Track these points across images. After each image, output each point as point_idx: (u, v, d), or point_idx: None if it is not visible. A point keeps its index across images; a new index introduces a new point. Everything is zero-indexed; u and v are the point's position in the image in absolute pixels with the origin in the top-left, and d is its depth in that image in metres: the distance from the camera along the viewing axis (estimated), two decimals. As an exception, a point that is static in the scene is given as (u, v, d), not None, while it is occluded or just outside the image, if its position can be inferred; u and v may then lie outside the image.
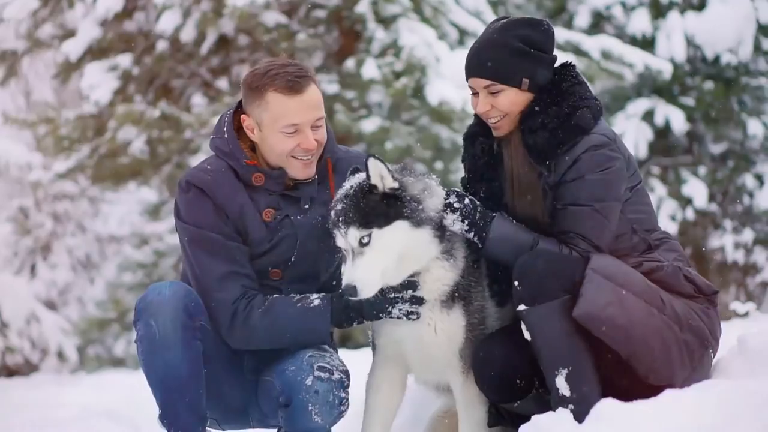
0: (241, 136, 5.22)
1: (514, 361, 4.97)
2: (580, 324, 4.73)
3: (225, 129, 5.19)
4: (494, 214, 4.99)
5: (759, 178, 18.54)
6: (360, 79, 14.00)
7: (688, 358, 4.91)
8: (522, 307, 4.81)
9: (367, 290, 4.75)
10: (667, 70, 15.52)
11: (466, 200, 4.99)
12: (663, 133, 18.20)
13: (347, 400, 5.06)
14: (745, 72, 18.46)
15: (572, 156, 4.95)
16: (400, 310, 4.92)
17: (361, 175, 4.93)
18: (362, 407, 5.24)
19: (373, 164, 4.82)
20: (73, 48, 14.79)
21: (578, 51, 15.48)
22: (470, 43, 14.86)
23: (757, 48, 18.35)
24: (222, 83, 15.91)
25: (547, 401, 4.91)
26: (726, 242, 18.48)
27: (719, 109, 18.32)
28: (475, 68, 5.08)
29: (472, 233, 4.96)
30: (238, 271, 5.06)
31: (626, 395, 4.63)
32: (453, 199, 4.98)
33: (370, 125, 14.05)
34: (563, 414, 4.73)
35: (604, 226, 4.96)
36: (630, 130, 17.69)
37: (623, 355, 4.76)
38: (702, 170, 18.59)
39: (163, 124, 14.19)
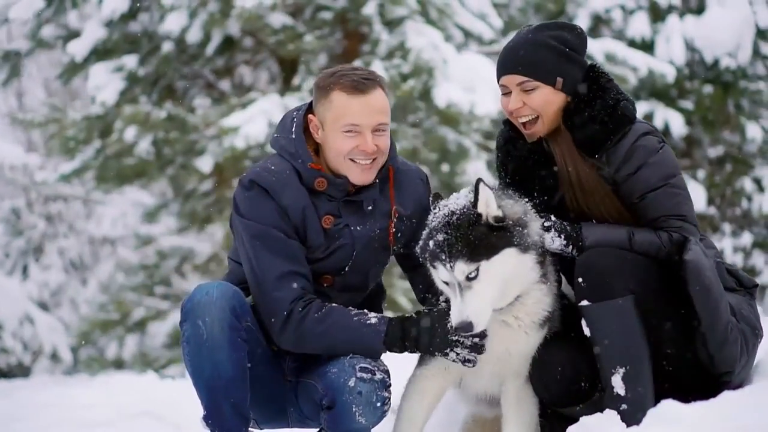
0: (307, 138, 5.19)
1: (576, 364, 4.97)
2: (641, 324, 4.75)
3: (293, 129, 5.17)
4: (580, 224, 4.95)
5: (757, 182, 18.63)
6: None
7: (745, 346, 4.92)
8: (584, 303, 4.80)
9: (481, 324, 4.63)
10: (670, 74, 15.62)
11: (552, 217, 4.96)
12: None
13: (390, 399, 5.03)
14: (743, 76, 18.52)
15: (624, 146, 4.95)
16: (457, 354, 4.84)
17: (461, 201, 4.80)
18: (393, 410, 5.22)
19: (484, 191, 4.69)
20: (78, 48, 14.76)
21: (581, 54, 15.54)
22: (475, 46, 14.97)
23: (756, 52, 18.41)
24: (225, 85, 15.90)
25: (608, 404, 4.93)
26: (725, 246, 18.53)
27: (718, 112, 18.39)
28: (509, 65, 5.06)
29: (570, 247, 4.93)
30: (297, 270, 5.02)
31: (681, 396, 4.68)
32: (542, 220, 4.92)
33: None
34: (611, 416, 4.73)
35: (685, 198, 4.97)
36: (629, 133, 17.71)
37: (706, 323, 4.73)
38: (701, 174, 18.67)
39: (169, 125, 14.16)
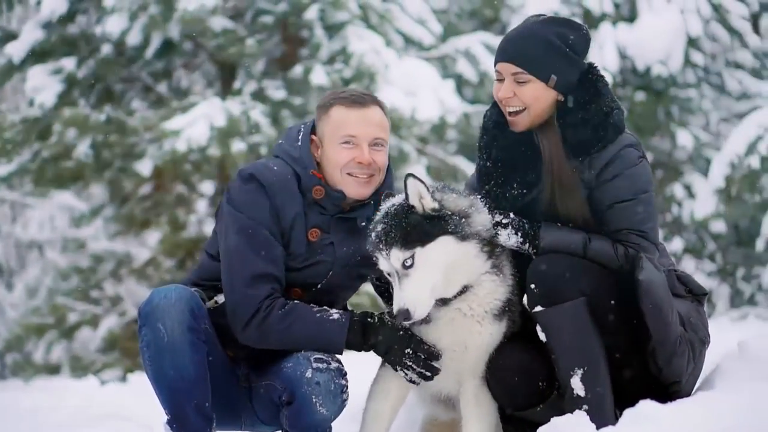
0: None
1: (532, 365, 5.03)
2: (594, 325, 4.83)
3: (300, 137, 5.22)
4: (539, 223, 5.01)
5: (687, 188, 18.85)
6: (308, 86, 14.03)
7: (692, 355, 5.03)
8: (538, 308, 4.86)
9: (419, 311, 4.73)
10: (609, 80, 15.78)
11: (511, 215, 5.02)
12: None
13: (347, 387, 5.08)
14: (673, 84, 18.75)
15: (608, 154, 5.00)
16: (405, 374, 4.96)
17: (399, 197, 4.94)
18: (359, 411, 5.25)
19: (412, 184, 4.80)
20: (16, 50, 14.56)
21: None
22: (415, 51, 15.05)
23: (687, 60, 18.63)
24: (162, 88, 15.82)
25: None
26: (656, 251, 18.68)
27: (649, 120, 18.59)
28: (507, 53, 5.10)
29: (527, 245, 4.99)
30: (274, 273, 5.06)
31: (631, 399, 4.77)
32: (499, 216, 5.00)
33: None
34: (582, 417, 4.78)
35: (651, 215, 5.03)
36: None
37: (656, 338, 4.83)
38: (632, 180, 18.81)
39: (108, 128, 14.05)
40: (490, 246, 4.93)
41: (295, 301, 5.04)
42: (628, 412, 4.60)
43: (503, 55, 5.12)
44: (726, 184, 14.94)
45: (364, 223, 5.19)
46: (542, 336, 4.89)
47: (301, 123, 5.35)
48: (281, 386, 5.05)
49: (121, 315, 16.12)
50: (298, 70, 14.42)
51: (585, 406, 4.81)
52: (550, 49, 5.05)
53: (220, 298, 5.22)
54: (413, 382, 4.98)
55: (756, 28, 20.09)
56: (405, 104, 13.64)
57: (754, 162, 14.46)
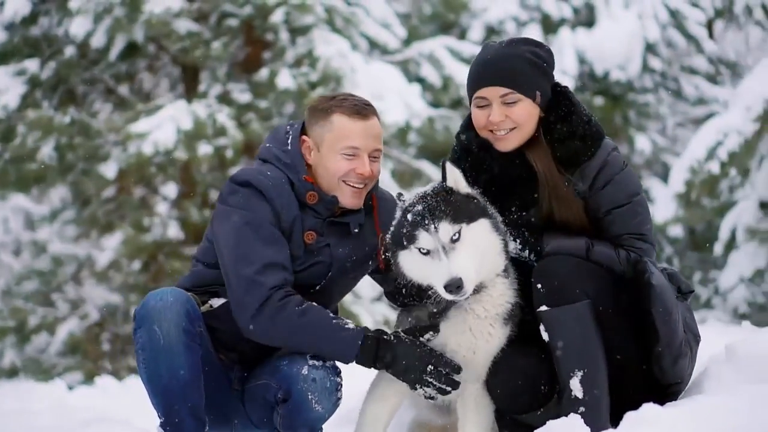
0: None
1: (533, 370, 5.02)
2: (597, 328, 4.84)
3: (289, 141, 5.17)
4: (540, 233, 5.03)
5: (646, 193, 18.91)
6: (274, 89, 14.04)
7: (691, 355, 5.08)
8: (543, 308, 4.87)
9: (469, 283, 4.66)
10: (569, 85, 15.87)
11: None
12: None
13: (342, 386, 5.05)
14: (631, 89, 18.89)
15: (597, 162, 5.02)
16: (425, 392, 4.88)
17: (428, 186, 4.92)
18: (348, 412, 5.27)
19: (450, 169, 4.82)
20: (-24, 52, 14.51)
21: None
22: (379, 54, 15.08)
23: (645, 66, 18.81)
24: (123, 90, 15.76)
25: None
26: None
27: (607, 124, 18.72)
28: (492, 77, 5.03)
29: (527, 251, 5.02)
30: (284, 264, 4.99)
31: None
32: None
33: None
34: (577, 420, 4.77)
35: (647, 217, 5.07)
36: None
37: (664, 342, 4.86)
38: (590, 185, 18.94)
39: (72, 130, 13.98)
40: (506, 245, 4.93)
41: (312, 303, 4.96)
42: (629, 415, 4.61)
43: (486, 80, 5.05)
44: (686, 188, 15.06)
45: (357, 230, 5.21)
46: (545, 335, 4.89)
47: (287, 124, 5.30)
48: (277, 383, 5.01)
49: (83, 318, 16.02)
50: (263, 73, 14.41)
51: (582, 408, 4.82)
52: (530, 66, 5.05)
53: (215, 302, 5.17)
54: (431, 398, 4.92)
55: (711, 34, 20.33)
56: (371, 108, 13.64)
57: (714, 167, 14.59)
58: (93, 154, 14.15)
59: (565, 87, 5.16)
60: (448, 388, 4.88)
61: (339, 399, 5.06)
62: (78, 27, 14.00)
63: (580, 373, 4.83)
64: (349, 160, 5.07)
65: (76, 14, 13.90)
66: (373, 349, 4.86)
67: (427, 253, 4.75)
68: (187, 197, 15.33)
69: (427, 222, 4.74)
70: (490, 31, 18.86)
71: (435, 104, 15.51)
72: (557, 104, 5.10)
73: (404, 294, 5.04)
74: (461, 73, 15.57)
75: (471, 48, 16.28)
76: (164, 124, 13.38)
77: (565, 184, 5.02)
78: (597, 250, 4.96)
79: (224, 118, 13.84)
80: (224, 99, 14.52)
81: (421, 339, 4.88)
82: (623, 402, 4.88)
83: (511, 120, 5.01)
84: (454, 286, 4.62)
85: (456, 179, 4.83)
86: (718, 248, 15.97)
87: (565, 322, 4.85)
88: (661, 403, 4.79)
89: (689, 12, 19.06)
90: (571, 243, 4.97)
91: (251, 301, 4.91)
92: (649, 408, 4.57)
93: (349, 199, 5.13)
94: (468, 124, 5.25)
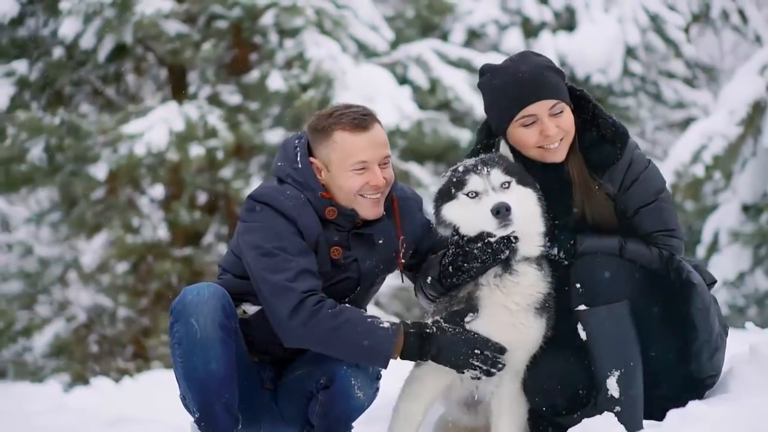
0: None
1: (574, 373, 5.08)
2: (634, 329, 4.91)
3: (298, 159, 5.16)
4: (572, 233, 5.07)
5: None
6: (264, 91, 14.04)
7: (723, 345, 5.15)
8: (582, 307, 4.93)
9: (517, 214, 4.77)
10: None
11: None
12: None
13: (381, 377, 5.12)
14: (610, 92, 18.98)
15: (623, 163, 5.06)
16: (473, 371, 4.91)
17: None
18: (381, 412, 5.27)
19: (503, 144, 4.99)
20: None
21: (470, 68, 15.84)
22: (368, 57, 15.10)
23: (625, 69, 18.90)
24: (110, 91, 15.72)
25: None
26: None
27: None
28: (537, 91, 5.01)
29: (556, 249, 5.05)
30: (314, 271, 4.99)
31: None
32: None
33: (274, 137, 14.13)
34: (611, 418, 4.82)
35: (674, 212, 5.15)
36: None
37: (704, 337, 4.93)
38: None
39: (62, 131, 13.94)
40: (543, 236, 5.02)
41: (345, 305, 4.97)
42: (674, 413, 4.67)
43: (533, 95, 5.01)
44: (671, 191, 15.13)
45: (381, 241, 5.22)
46: (583, 334, 4.95)
47: (294, 138, 5.27)
48: (320, 371, 5.05)
49: (69, 320, 15.95)
50: (254, 75, 14.42)
51: (617, 408, 4.88)
52: (557, 74, 5.09)
53: (249, 309, 5.19)
54: (478, 378, 4.95)
55: (688, 38, 20.47)
56: (362, 110, 13.64)
57: (699, 170, 14.68)
58: (82, 155, 14.08)
59: (582, 90, 5.20)
60: (494, 370, 4.91)
61: (377, 390, 5.13)
62: (67, 28, 13.93)
63: (617, 373, 4.90)
64: (360, 175, 5.04)
65: (66, 15, 13.83)
66: (416, 345, 4.88)
67: (476, 196, 4.87)
68: (175, 198, 15.29)
69: (479, 167, 4.88)
70: (472, 34, 18.85)
71: (422, 106, 15.54)
72: (581, 108, 5.14)
73: (444, 268, 5.05)
74: (448, 76, 15.69)
75: (458, 51, 16.38)
76: (156, 126, 13.37)
77: (597, 187, 5.08)
78: (630, 248, 5.02)
79: (215, 120, 13.84)
80: (214, 101, 14.51)
81: (461, 324, 4.92)
82: (657, 398, 4.97)
83: (562, 130, 5.02)
84: (503, 208, 4.74)
85: (508, 154, 4.96)
86: (701, 251, 16.04)
87: (604, 321, 4.92)
88: (698, 397, 4.94)
89: (669, 16, 19.16)
90: (604, 242, 5.03)
91: (285, 307, 4.91)
92: (694, 406, 4.62)
93: (369, 210, 5.13)
94: (489, 146, 5.25)
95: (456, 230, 4.97)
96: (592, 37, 18.47)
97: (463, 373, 4.92)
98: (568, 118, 5.03)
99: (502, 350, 4.91)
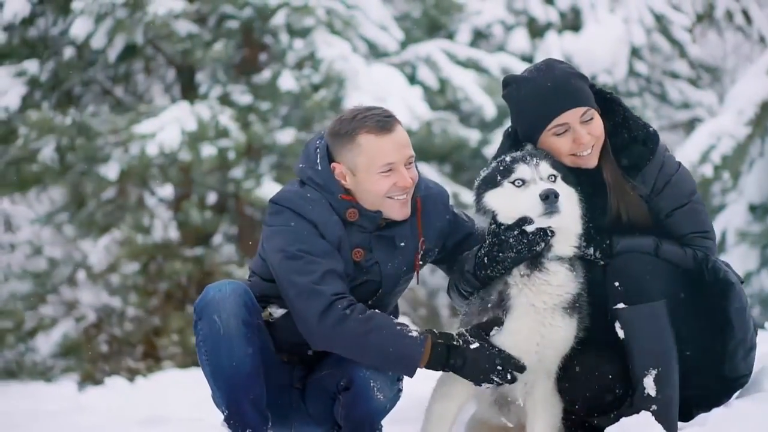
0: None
1: (610, 373, 5.08)
2: (671, 328, 4.93)
3: (318, 161, 5.14)
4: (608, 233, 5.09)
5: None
6: (275, 91, 14.06)
7: (755, 344, 5.15)
8: (620, 305, 4.95)
9: (563, 200, 4.81)
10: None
11: None
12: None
13: (402, 378, 5.12)
14: (616, 93, 18.97)
15: (655, 165, 5.08)
16: (490, 384, 4.92)
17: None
18: (409, 413, 5.31)
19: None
20: (-24, 53, 14.44)
21: (478, 68, 15.86)
22: (378, 57, 15.12)
23: (631, 70, 18.93)
24: (119, 91, 15.74)
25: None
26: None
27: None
28: (568, 100, 5.01)
29: (592, 249, 5.06)
30: (342, 275, 5.00)
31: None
32: None
33: (285, 137, 14.15)
34: (649, 418, 4.86)
35: (706, 213, 5.18)
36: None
37: (741, 336, 4.98)
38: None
39: (73, 131, 13.95)
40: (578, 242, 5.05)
41: (375, 310, 4.95)
42: (716, 411, 4.72)
43: (565, 104, 5.01)
44: (680, 191, 15.14)
45: (403, 243, 5.21)
46: (620, 333, 4.97)
47: (315, 138, 5.26)
48: (340, 372, 5.04)
49: (78, 320, 15.95)
50: (265, 75, 14.44)
51: (654, 407, 4.90)
52: (583, 80, 5.12)
53: (276, 312, 5.20)
54: (498, 384, 4.97)
55: (693, 38, 20.50)
56: (375, 110, 13.65)
57: (708, 170, 14.70)
58: (93, 155, 14.08)
59: (611, 93, 5.25)
60: (508, 384, 4.94)
61: (399, 391, 5.14)
62: (79, 28, 13.92)
63: (654, 372, 4.92)
64: (388, 177, 5.02)
65: (78, 15, 13.84)
66: (444, 356, 4.87)
67: (522, 184, 4.91)
68: (185, 198, 15.30)
69: (528, 158, 4.94)
70: (478, 34, 18.87)
71: (431, 107, 15.55)
72: (612, 111, 5.17)
73: (479, 259, 5.04)
74: (458, 76, 15.71)
75: (466, 51, 16.42)
76: (169, 126, 13.38)
77: (633, 190, 5.09)
78: (665, 248, 5.05)
79: (226, 120, 13.85)
80: (225, 101, 14.52)
81: (487, 337, 4.92)
82: (685, 399, 4.99)
83: (593, 136, 5.04)
84: (552, 194, 4.79)
85: None
86: (708, 251, 16.06)
87: (642, 320, 4.94)
88: (728, 398, 4.95)
89: (674, 16, 19.20)
90: (640, 242, 5.06)
91: (313, 310, 4.90)
92: (737, 404, 4.66)
93: (397, 211, 5.12)
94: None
95: (494, 218, 4.98)
96: (598, 37, 18.49)
97: (479, 386, 4.93)
98: (598, 124, 5.04)
99: (522, 368, 4.93)
